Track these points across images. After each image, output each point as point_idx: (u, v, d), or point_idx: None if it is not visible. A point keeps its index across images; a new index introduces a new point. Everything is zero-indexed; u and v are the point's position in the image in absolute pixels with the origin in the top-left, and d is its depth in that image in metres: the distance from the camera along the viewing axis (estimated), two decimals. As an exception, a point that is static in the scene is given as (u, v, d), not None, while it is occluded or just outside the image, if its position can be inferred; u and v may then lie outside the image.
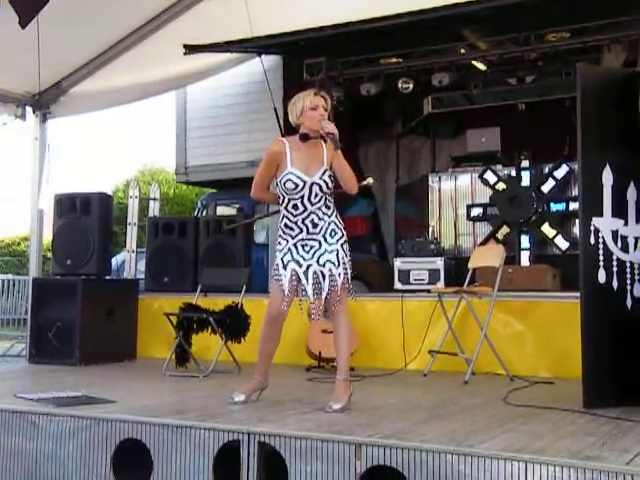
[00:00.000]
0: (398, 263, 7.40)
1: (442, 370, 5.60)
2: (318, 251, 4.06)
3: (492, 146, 7.93)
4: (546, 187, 7.53)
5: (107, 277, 7.15)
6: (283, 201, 4.09)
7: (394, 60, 8.10)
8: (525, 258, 7.54)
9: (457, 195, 8.08)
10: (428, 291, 6.21)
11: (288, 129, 4.32)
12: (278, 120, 7.56)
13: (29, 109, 7.51)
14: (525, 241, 7.60)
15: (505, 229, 7.66)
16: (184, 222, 7.70)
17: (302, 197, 4.04)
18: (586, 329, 4.01)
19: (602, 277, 4.06)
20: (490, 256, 5.72)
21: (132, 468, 3.58)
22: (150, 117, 32.19)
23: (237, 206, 9.85)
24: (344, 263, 4.06)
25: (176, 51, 7.27)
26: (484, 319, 5.38)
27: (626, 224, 4.14)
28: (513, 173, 7.73)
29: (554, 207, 7.58)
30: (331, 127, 3.96)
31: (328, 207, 4.10)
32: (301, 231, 4.07)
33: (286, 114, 4.24)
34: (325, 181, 4.04)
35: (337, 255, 4.05)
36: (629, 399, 3.96)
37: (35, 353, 6.60)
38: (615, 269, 4.09)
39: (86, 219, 6.83)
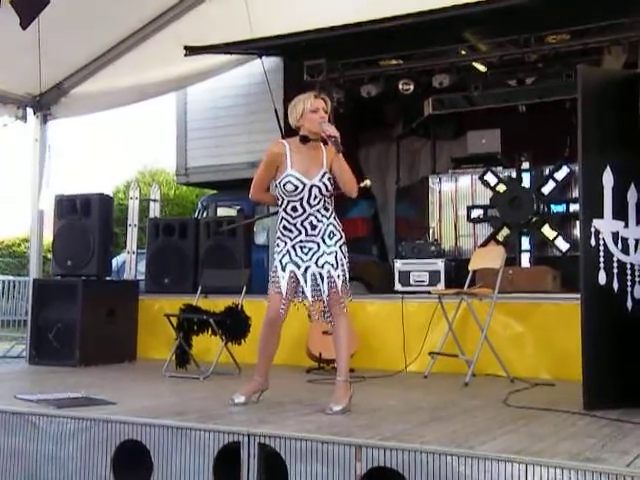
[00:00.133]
0: (398, 264, 7.40)
1: (442, 372, 5.60)
2: (317, 253, 4.06)
3: (492, 148, 7.94)
4: (546, 189, 7.53)
5: (107, 278, 7.15)
6: (282, 203, 4.09)
7: (394, 62, 8.11)
8: (525, 260, 7.54)
9: (457, 196, 8.08)
10: (428, 292, 6.21)
11: (289, 130, 4.32)
12: (279, 121, 7.57)
13: (30, 110, 7.51)
14: (525, 243, 7.60)
15: (505, 231, 7.66)
16: (184, 223, 7.71)
17: (301, 199, 4.04)
18: (586, 331, 4.01)
19: (602, 279, 4.06)
20: (490, 258, 5.72)
21: (132, 469, 3.58)
22: (150, 118, 32.21)
23: (237, 207, 9.84)
24: (342, 265, 4.06)
25: (177, 52, 7.28)
26: (484, 321, 5.38)
27: (626, 226, 4.14)
28: (514, 175, 7.73)
29: (554, 209, 7.59)
30: (332, 130, 3.96)
31: (327, 209, 4.11)
32: (300, 233, 4.07)
33: (286, 115, 4.24)
34: (324, 183, 4.04)
35: (336, 257, 4.05)
36: (629, 401, 3.96)
37: (35, 354, 6.60)
38: (615, 271, 4.09)
39: (86, 220, 6.83)
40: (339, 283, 4.02)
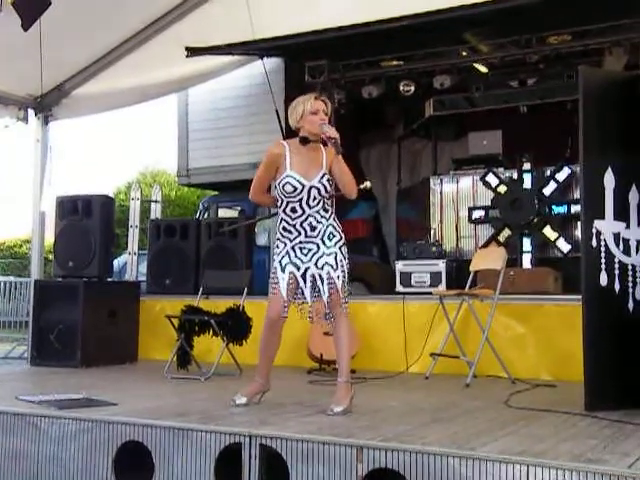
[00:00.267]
0: (400, 265, 7.40)
1: (444, 373, 5.59)
2: (316, 254, 4.06)
3: (494, 149, 7.94)
4: (548, 190, 7.53)
5: (109, 279, 7.15)
6: (281, 204, 4.10)
7: (395, 63, 8.12)
8: (527, 261, 7.54)
9: (459, 198, 8.08)
10: (430, 294, 6.21)
11: (290, 132, 4.32)
12: (280, 122, 7.57)
13: (31, 111, 7.51)
14: (527, 244, 7.60)
15: (507, 232, 7.66)
16: (186, 224, 7.71)
17: (300, 200, 4.04)
18: (588, 332, 4.01)
19: (604, 280, 4.06)
20: (492, 259, 5.72)
21: (134, 470, 3.58)
22: (152, 119, 32.21)
23: (239, 208, 9.85)
24: (342, 266, 4.06)
25: (178, 53, 7.28)
26: (486, 322, 5.38)
27: (628, 227, 4.14)
28: (515, 176, 7.73)
29: (556, 210, 7.59)
30: (333, 132, 3.97)
31: (326, 210, 4.11)
32: (299, 234, 4.08)
33: (287, 117, 4.24)
34: (324, 185, 4.05)
35: (335, 258, 4.05)
36: (631, 402, 3.96)
37: (36, 355, 6.61)
38: (617, 272, 4.09)
39: (88, 221, 6.84)
40: (339, 284, 4.02)
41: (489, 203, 7.83)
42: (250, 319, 5.65)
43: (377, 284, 8.36)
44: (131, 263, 8.41)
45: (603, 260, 4.06)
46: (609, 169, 4.10)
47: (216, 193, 10.98)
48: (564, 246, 7.38)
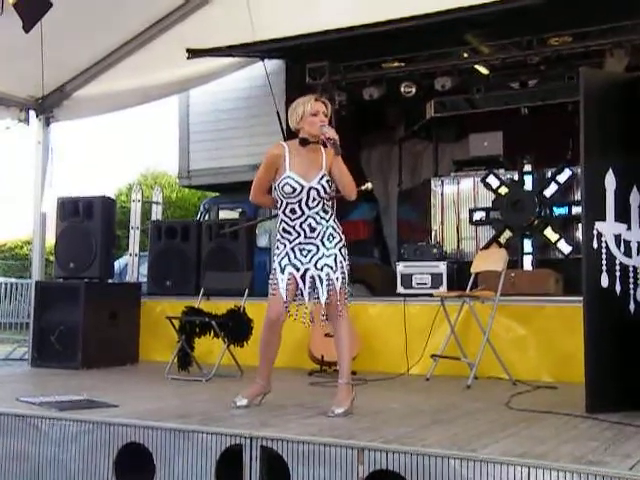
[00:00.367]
0: (400, 267, 7.40)
1: (444, 374, 5.59)
2: (316, 255, 4.06)
3: (495, 150, 7.94)
4: (549, 191, 7.52)
5: (110, 281, 7.15)
6: (281, 205, 4.10)
7: (396, 64, 8.13)
8: (528, 262, 7.54)
9: (460, 199, 8.08)
10: (430, 295, 6.20)
11: (291, 133, 4.33)
12: (281, 124, 7.58)
13: (32, 113, 7.52)
14: (528, 245, 7.60)
15: (508, 233, 7.66)
16: (187, 226, 7.71)
17: (299, 201, 4.04)
18: (589, 333, 4.01)
19: (605, 281, 4.06)
20: (493, 260, 5.72)
21: (134, 472, 3.58)
22: (153, 121, 32.22)
23: (240, 210, 9.85)
24: (342, 267, 4.06)
25: (179, 55, 7.28)
26: (487, 323, 5.38)
27: (629, 228, 4.14)
28: (516, 177, 7.73)
29: (557, 211, 7.59)
30: (332, 133, 3.97)
31: (326, 212, 4.11)
32: (299, 235, 4.08)
33: (288, 118, 4.25)
34: (323, 186, 4.05)
35: (335, 259, 4.05)
36: (632, 404, 3.95)
37: (37, 357, 6.61)
38: (618, 273, 4.08)
39: (89, 223, 6.84)
40: (338, 285, 4.02)
41: (490, 205, 7.83)
42: (251, 320, 5.65)
43: (378, 286, 8.36)
44: (132, 264, 8.40)
45: (604, 262, 4.06)
46: (610, 171, 4.10)
47: (217, 195, 10.99)
48: (565, 248, 7.38)
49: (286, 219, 4.09)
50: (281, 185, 4.04)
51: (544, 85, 7.94)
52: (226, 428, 3.43)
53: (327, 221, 4.09)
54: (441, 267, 7.23)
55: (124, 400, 4.33)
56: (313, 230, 4.07)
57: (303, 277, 4.06)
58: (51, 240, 7.25)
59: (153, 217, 8.65)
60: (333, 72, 8.13)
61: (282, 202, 4.08)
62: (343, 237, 4.13)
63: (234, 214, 9.96)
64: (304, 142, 4.08)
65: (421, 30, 6.86)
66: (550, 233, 7.47)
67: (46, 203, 7.47)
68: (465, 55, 7.81)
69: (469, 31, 7.53)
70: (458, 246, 8.05)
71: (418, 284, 7.21)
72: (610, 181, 4.10)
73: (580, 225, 4.95)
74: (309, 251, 4.07)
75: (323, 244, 4.07)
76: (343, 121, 7.94)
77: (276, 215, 4.23)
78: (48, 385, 5.45)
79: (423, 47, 7.72)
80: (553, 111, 8.02)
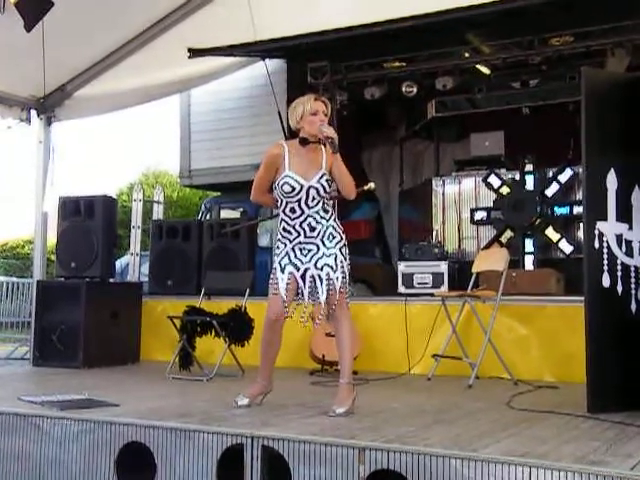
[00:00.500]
0: (402, 267, 7.40)
1: (446, 374, 5.59)
2: (316, 255, 4.06)
3: (496, 150, 7.95)
4: (550, 191, 7.53)
5: (111, 280, 7.15)
6: (281, 204, 4.10)
7: (398, 64, 8.12)
8: (529, 262, 7.54)
9: (461, 199, 8.09)
10: (432, 295, 6.20)
11: (292, 132, 4.33)
12: (282, 124, 7.57)
13: (34, 112, 7.52)
14: (529, 245, 7.60)
15: (509, 233, 7.66)
16: (188, 225, 7.71)
17: (299, 200, 4.04)
18: (590, 333, 4.01)
19: (606, 281, 4.05)
20: (494, 260, 5.72)
21: (136, 471, 3.58)
22: (154, 120, 32.19)
23: (241, 209, 9.85)
24: (342, 267, 4.06)
25: (181, 54, 7.29)
26: (488, 323, 5.38)
27: (630, 228, 4.14)
28: (517, 177, 7.73)
29: (558, 211, 7.59)
30: (330, 131, 3.97)
31: (326, 211, 4.11)
32: (299, 234, 4.08)
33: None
34: (322, 185, 4.04)
35: (335, 259, 4.05)
36: (633, 404, 3.95)
37: (39, 356, 6.61)
38: (619, 273, 4.08)
39: (90, 222, 6.84)
40: (338, 285, 4.02)
41: (491, 204, 7.83)
42: (252, 320, 5.65)
43: (379, 285, 8.37)
44: (133, 264, 8.41)
45: (605, 261, 4.06)
46: (611, 170, 4.10)
47: (218, 194, 10.99)
48: (566, 247, 7.38)
49: (286, 218, 4.09)
50: (280, 184, 4.04)
51: (545, 85, 7.93)
52: (227, 428, 3.43)
53: (327, 220, 4.09)
54: (442, 267, 7.23)
55: (125, 399, 4.32)
56: (313, 229, 4.07)
57: (303, 277, 4.06)
58: (52, 239, 7.26)
59: (154, 217, 8.65)
60: (335, 72, 8.14)
61: (282, 201, 4.08)
62: (344, 237, 4.12)
63: (235, 214, 9.96)
64: (304, 142, 4.08)
65: (422, 30, 6.87)
66: (551, 233, 7.48)
67: (47, 202, 7.48)
68: (466, 55, 7.81)
69: (470, 31, 7.53)
70: (459, 246, 8.05)
71: (419, 284, 7.21)
72: (611, 181, 4.10)
73: (581, 225, 4.94)
74: (309, 250, 4.07)
75: (323, 244, 4.07)
76: (344, 121, 7.95)
77: (277, 215, 4.24)
78: (49, 384, 5.45)
79: (424, 47, 7.72)
80: (554, 111, 8.02)
